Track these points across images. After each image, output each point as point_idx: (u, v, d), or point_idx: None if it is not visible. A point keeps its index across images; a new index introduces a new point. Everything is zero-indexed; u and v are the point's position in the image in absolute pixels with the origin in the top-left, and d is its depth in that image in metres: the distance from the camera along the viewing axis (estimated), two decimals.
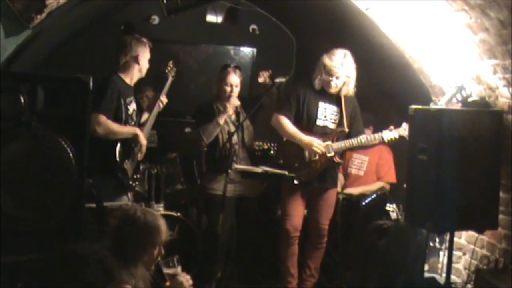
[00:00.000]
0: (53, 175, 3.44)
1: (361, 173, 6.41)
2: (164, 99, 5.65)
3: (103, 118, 4.99)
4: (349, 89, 5.58)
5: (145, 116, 5.68)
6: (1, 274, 3.28)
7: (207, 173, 6.11)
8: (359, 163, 6.44)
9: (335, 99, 5.64)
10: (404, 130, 5.44)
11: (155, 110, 5.63)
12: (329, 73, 5.47)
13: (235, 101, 5.84)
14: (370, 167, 6.39)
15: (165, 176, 6.09)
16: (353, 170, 6.45)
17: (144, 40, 5.36)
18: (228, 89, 5.91)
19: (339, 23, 6.28)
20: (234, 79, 5.93)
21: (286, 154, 5.65)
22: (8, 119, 3.38)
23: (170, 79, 5.78)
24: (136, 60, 5.29)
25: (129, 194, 5.45)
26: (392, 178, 6.35)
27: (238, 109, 5.92)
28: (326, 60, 5.47)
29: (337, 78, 5.48)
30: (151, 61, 5.44)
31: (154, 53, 5.49)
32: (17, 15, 4.21)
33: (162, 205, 5.90)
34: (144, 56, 5.33)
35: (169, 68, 5.83)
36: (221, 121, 5.84)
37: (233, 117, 5.95)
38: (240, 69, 6.15)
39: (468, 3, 4.12)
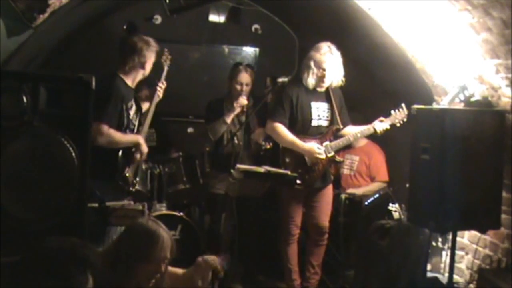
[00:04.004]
0: (55, 175, 3.44)
1: (352, 172, 6.44)
2: (162, 84, 5.63)
3: (105, 128, 4.93)
4: (338, 79, 5.60)
5: (145, 105, 5.66)
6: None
7: (211, 172, 6.12)
8: (350, 163, 6.47)
9: (324, 95, 5.65)
10: (394, 118, 5.50)
11: (155, 99, 5.59)
12: (321, 65, 5.49)
13: (243, 101, 5.86)
14: (361, 166, 6.41)
15: (168, 175, 6.09)
16: (345, 170, 6.48)
17: (153, 44, 5.33)
18: (238, 87, 5.94)
19: (342, 22, 6.28)
20: (245, 77, 5.96)
21: (287, 161, 5.62)
22: (10, 119, 3.38)
23: (165, 68, 5.73)
24: (143, 65, 5.27)
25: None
26: (385, 176, 6.37)
27: (245, 109, 5.92)
28: (316, 54, 5.51)
29: (329, 69, 5.49)
30: None
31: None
32: (19, 15, 4.21)
33: (164, 204, 5.90)
34: (151, 62, 5.33)
35: (164, 57, 5.79)
36: (228, 119, 5.86)
37: (242, 117, 5.95)
38: (252, 68, 6.16)
39: (471, 3, 4.12)
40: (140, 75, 5.32)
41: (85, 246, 2.43)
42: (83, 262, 2.36)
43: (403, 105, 5.34)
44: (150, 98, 5.72)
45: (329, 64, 5.48)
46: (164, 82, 5.64)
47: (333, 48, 5.52)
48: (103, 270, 2.69)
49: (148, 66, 5.32)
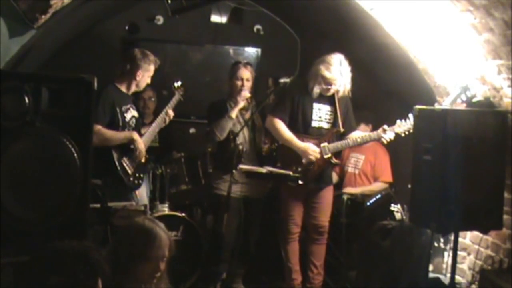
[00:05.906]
0: (57, 175, 3.44)
1: (357, 171, 6.44)
2: (170, 112, 5.74)
3: (96, 128, 5.00)
4: (345, 90, 5.59)
5: (145, 129, 5.70)
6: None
7: (213, 173, 6.12)
8: (355, 162, 6.47)
9: (328, 98, 5.65)
10: (398, 127, 5.43)
11: (158, 123, 5.70)
12: (329, 83, 5.49)
13: (245, 94, 5.84)
14: (366, 166, 6.40)
15: (170, 176, 6.10)
16: (350, 169, 6.48)
17: (151, 58, 5.42)
18: (239, 83, 5.91)
19: (344, 23, 6.28)
20: (245, 73, 5.95)
21: (283, 157, 5.66)
22: (12, 119, 3.38)
23: (177, 96, 5.85)
24: (134, 74, 5.38)
25: (136, 193, 5.48)
26: (388, 177, 6.36)
27: (248, 101, 5.90)
28: (325, 72, 5.46)
29: (337, 84, 5.50)
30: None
31: (157, 54, 5.52)
32: (21, 16, 4.22)
33: (166, 205, 5.91)
34: (144, 73, 5.41)
35: (176, 87, 5.91)
36: (233, 114, 5.84)
37: (246, 115, 5.94)
38: (251, 65, 6.16)
39: (473, 4, 4.12)
40: (133, 85, 5.44)
41: (98, 252, 2.43)
42: (94, 267, 2.37)
43: (410, 115, 5.20)
44: (153, 99, 5.77)
45: (339, 80, 5.49)
46: (171, 111, 5.73)
47: (344, 62, 5.48)
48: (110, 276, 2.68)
49: (140, 76, 5.40)
